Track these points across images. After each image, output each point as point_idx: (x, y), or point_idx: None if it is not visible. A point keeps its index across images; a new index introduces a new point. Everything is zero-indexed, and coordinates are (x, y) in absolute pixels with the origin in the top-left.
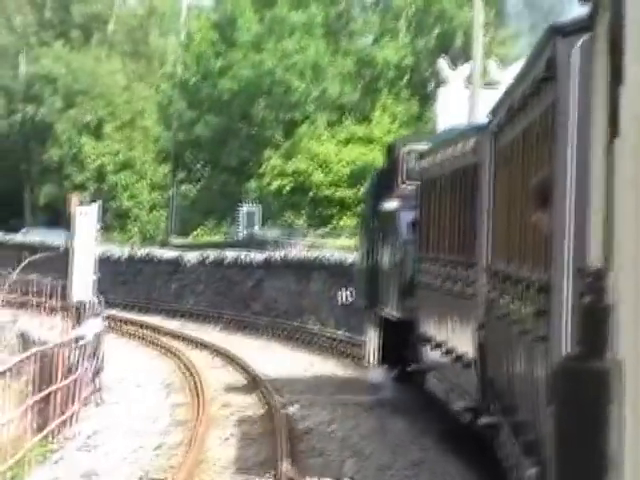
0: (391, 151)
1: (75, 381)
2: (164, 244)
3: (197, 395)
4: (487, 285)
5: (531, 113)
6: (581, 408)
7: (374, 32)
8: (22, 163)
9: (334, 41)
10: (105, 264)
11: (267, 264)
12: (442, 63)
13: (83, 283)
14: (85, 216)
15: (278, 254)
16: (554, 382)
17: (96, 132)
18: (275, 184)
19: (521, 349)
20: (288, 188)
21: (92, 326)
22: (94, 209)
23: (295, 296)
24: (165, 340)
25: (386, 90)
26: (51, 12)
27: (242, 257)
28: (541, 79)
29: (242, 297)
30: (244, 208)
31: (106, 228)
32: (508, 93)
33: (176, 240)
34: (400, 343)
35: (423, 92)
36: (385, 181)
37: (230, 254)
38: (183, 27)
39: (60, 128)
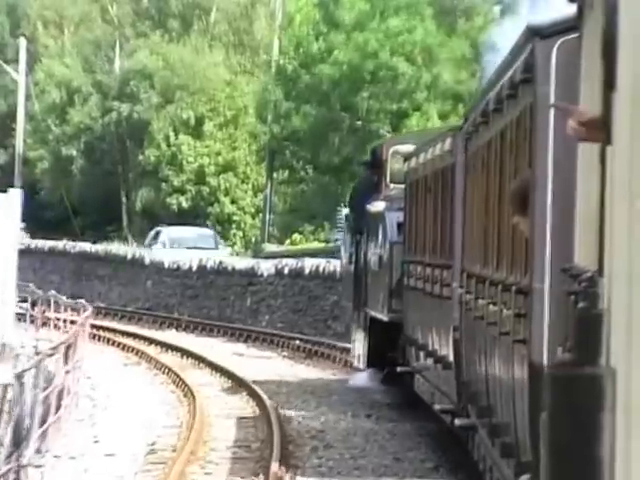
0: (377, 152)
1: None
2: (257, 253)
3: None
4: (461, 287)
5: (507, 115)
6: (573, 415)
7: (494, 11)
8: (119, 166)
9: (449, 22)
10: (175, 276)
11: None
12: None
13: None
14: None
15: None
16: (546, 388)
17: (195, 131)
18: None
19: (499, 351)
20: None
21: None
22: (13, 199)
23: None
24: (200, 376)
25: None
26: (148, 1)
27: (323, 267)
28: (518, 81)
29: (323, 315)
30: (345, 211)
31: None
32: (482, 95)
33: (270, 247)
34: (387, 345)
35: None
36: (371, 183)
37: (310, 263)
38: (280, 7)
39: (156, 127)
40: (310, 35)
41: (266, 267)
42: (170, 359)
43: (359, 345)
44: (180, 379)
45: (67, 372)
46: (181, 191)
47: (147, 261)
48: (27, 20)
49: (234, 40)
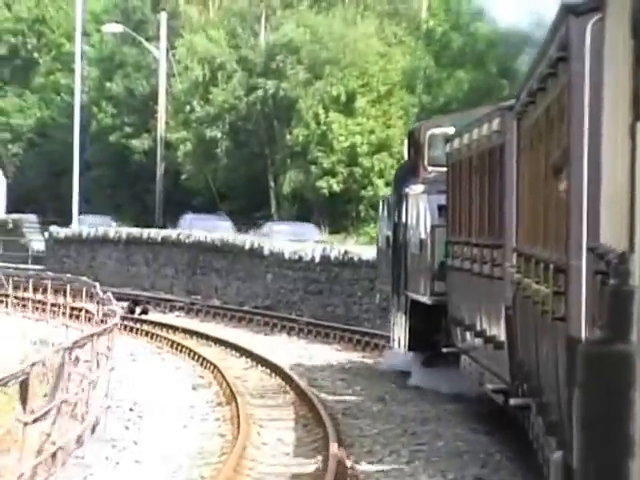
0: (413, 136)
1: None
2: None
3: None
4: (514, 266)
5: (550, 93)
6: (604, 392)
7: None
8: (265, 147)
9: None
10: (296, 268)
11: None
12: None
13: None
14: None
15: None
16: (577, 366)
17: (346, 108)
18: None
19: (543, 329)
20: None
21: None
22: None
23: None
24: (275, 407)
25: None
26: None
27: None
28: (556, 59)
29: None
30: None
31: (359, 220)
32: (529, 73)
33: None
34: (430, 327)
35: None
36: (408, 166)
37: None
38: None
39: (305, 104)
40: None
41: None
42: (254, 378)
43: (399, 328)
44: (243, 414)
45: (25, 424)
46: (332, 173)
47: (266, 251)
48: None
49: (388, 9)
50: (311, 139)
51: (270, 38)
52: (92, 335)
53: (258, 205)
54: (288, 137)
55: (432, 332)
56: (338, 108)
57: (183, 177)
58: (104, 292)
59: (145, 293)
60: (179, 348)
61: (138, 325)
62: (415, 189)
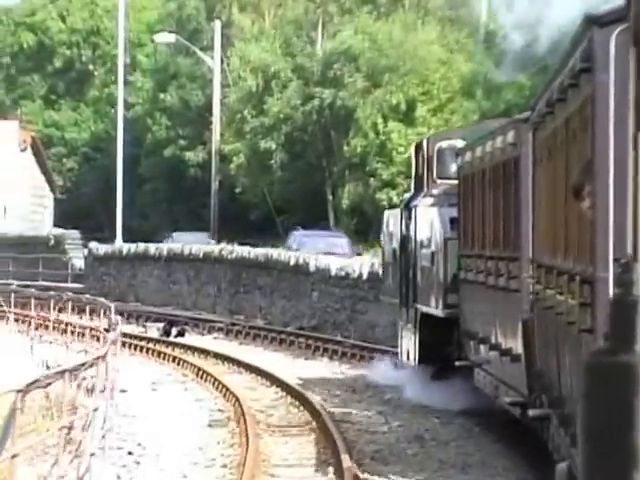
0: (421, 149)
1: None
2: None
3: None
4: (532, 278)
5: (571, 104)
6: (608, 402)
7: None
8: (322, 159)
9: None
10: (343, 285)
11: None
12: None
13: None
14: None
15: None
16: (582, 376)
17: (406, 117)
18: None
19: (566, 340)
20: None
21: None
22: None
23: None
24: (296, 445)
25: None
26: None
27: None
28: (579, 70)
29: None
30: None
31: None
32: (547, 85)
33: None
34: (440, 340)
35: None
36: (417, 179)
37: None
38: None
39: (363, 114)
40: None
41: None
42: (280, 413)
43: (408, 342)
44: (252, 460)
45: None
46: (392, 185)
47: (312, 267)
48: (222, 4)
49: (450, 14)
50: (370, 150)
51: (327, 46)
52: (63, 372)
53: (316, 219)
54: (346, 148)
55: (443, 345)
56: (397, 117)
57: (237, 190)
58: (121, 313)
59: (186, 313)
60: (206, 376)
61: (169, 349)
62: (424, 202)
